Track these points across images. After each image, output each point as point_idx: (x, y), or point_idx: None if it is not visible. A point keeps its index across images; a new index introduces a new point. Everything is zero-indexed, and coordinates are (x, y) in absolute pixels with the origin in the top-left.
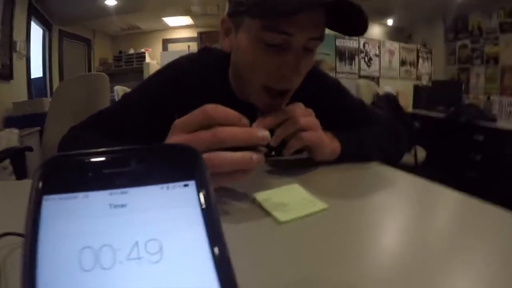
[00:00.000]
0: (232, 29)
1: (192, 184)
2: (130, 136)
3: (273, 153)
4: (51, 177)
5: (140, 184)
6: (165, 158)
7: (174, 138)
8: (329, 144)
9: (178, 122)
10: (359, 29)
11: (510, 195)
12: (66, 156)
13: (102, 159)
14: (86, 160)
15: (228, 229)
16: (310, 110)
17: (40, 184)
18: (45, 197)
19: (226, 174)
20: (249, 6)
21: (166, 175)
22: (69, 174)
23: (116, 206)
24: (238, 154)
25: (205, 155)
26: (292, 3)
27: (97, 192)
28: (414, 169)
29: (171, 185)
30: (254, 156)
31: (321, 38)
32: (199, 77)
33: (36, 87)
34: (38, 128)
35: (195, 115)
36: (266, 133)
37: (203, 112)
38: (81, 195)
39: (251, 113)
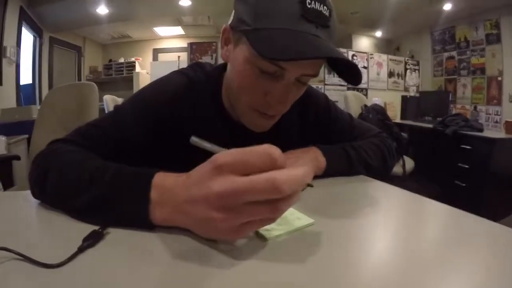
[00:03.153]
0: (231, 40)
1: None
2: (119, 151)
3: None
4: None
5: None
6: None
7: (223, 182)
8: (315, 166)
9: (225, 161)
10: (353, 80)
11: (498, 202)
12: None
13: None
14: None
15: (216, 247)
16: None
17: None
18: None
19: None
20: (249, 29)
21: None
22: None
23: None
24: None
25: (278, 206)
26: (290, 50)
27: None
28: (403, 180)
29: None
30: None
31: (315, 75)
32: (193, 94)
33: (25, 94)
34: (26, 136)
35: (258, 157)
36: None
37: (269, 156)
38: None
39: (242, 132)
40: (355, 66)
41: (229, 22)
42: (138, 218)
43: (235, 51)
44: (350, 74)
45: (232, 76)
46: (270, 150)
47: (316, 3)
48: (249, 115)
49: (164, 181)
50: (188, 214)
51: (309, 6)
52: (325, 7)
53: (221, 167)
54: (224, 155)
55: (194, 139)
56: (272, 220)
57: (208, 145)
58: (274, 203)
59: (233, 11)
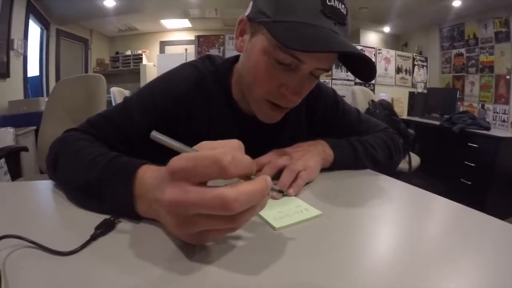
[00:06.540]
0: (247, 31)
1: None
2: (128, 142)
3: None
4: None
5: None
6: None
7: (174, 190)
8: (323, 159)
9: (177, 167)
10: (366, 77)
11: (503, 201)
12: None
13: None
14: None
15: (227, 237)
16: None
17: None
18: None
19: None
20: (270, 21)
21: None
22: None
23: None
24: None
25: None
26: (311, 42)
27: None
28: (408, 176)
29: None
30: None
31: (328, 69)
32: (202, 88)
33: (32, 86)
34: (34, 127)
35: (207, 166)
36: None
37: (218, 165)
38: None
39: (252, 125)
40: (371, 63)
41: (246, 13)
42: (126, 209)
43: (251, 41)
44: (362, 70)
45: (246, 67)
46: (219, 157)
47: (335, 1)
48: (262, 106)
49: (144, 176)
50: (157, 212)
51: (328, 3)
52: (343, 5)
53: (174, 173)
54: (177, 160)
55: (153, 134)
56: (233, 229)
57: (169, 142)
58: (229, 216)
59: (251, 2)
